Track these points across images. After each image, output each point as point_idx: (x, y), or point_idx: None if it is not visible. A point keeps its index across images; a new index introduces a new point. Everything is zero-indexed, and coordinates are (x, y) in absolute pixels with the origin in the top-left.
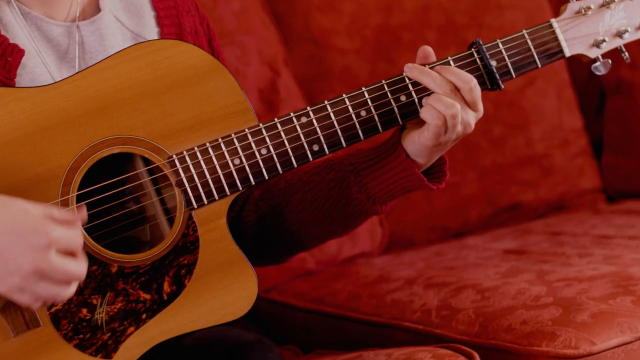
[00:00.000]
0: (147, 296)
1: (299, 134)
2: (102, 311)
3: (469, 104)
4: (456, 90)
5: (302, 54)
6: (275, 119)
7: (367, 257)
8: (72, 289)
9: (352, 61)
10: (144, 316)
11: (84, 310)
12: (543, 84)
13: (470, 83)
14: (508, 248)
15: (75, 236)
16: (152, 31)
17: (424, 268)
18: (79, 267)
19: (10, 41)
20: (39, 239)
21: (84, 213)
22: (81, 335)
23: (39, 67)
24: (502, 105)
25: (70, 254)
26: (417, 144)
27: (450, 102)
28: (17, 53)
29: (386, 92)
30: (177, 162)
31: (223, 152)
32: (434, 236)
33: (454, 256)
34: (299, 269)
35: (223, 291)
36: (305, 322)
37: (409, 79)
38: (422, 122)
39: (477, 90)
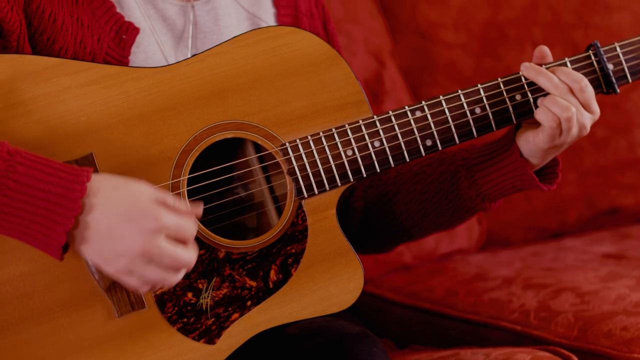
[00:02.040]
0: (253, 283)
1: (412, 128)
2: (208, 296)
3: (583, 105)
4: (572, 92)
5: (408, 46)
6: (390, 112)
7: (464, 254)
8: (179, 276)
9: (458, 55)
10: (249, 303)
11: (190, 294)
12: None
13: (580, 82)
14: (607, 252)
15: (188, 225)
16: (268, 12)
17: (522, 268)
18: (188, 255)
19: (126, 19)
20: (148, 223)
21: (200, 209)
22: (185, 319)
23: (152, 46)
24: (606, 107)
25: (180, 241)
26: (531, 144)
27: (565, 104)
28: (132, 31)
29: (502, 90)
30: (289, 150)
31: (336, 143)
32: (531, 236)
33: (552, 257)
34: (395, 263)
35: (329, 282)
36: (400, 316)
37: (525, 79)
38: (536, 122)
39: (589, 90)
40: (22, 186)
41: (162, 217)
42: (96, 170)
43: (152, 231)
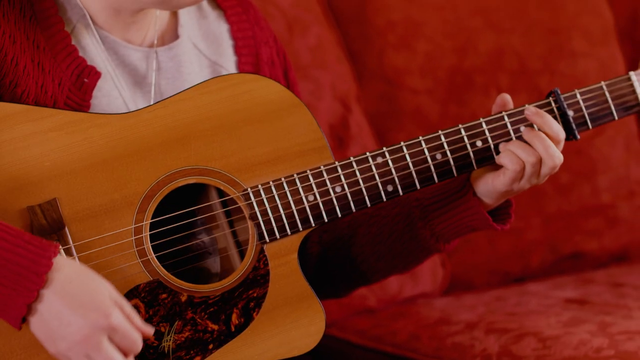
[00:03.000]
0: (215, 327)
1: (373, 174)
2: (170, 339)
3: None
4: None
5: (375, 92)
6: (351, 158)
7: (428, 297)
8: None
9: (424, 101)
10: (210, 346)
11: (152, 337)
12: (612, 134)
13: (560, 136)
14: (570, 297)
15: (135, 338)
16: (229, 59)
17: (485, 312)
18: None
19: (88, 62)
20: (98, 318)
21: (152, 330)
22: None
23: (114, 91)
24: (570, 153)
25: (123, 351)
26: (489, 185)
27: (531, 149)
28: (93, 75)
29: (463, 136)
30: (251, 195)
31: (298, 188)
32: (494, 280)
33: (515, 302)
34: (359, 306)
35: (290, 326)
36: (364, 359)
37: (487, 125)
38: (496, 166)
39: (562, 143)
40: None
41: (114, 318)
42: (61, 220)
43: (99, 327)
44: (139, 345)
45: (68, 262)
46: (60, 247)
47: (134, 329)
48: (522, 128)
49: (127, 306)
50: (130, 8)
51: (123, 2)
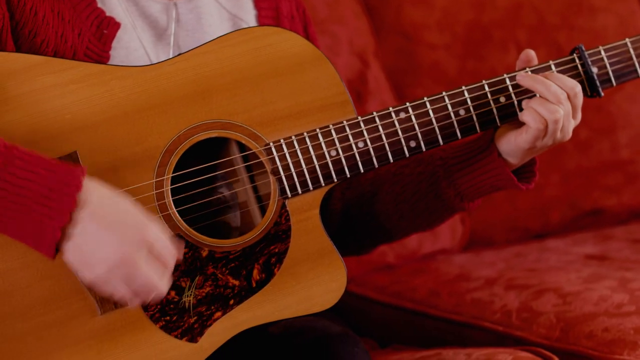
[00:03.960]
0: (236, 282)
1: (396, 129)
2: (190, 294)
3: (572, 110)
4: (567, 98)
5: (392, 47)
6: (374, 113)
7: (447, 254)
8: (140, 301)
9: (442, 56)
10: (231, 302)
11: (172, 293)
12: (632, 90)
13: (574, 89)
14: (589, 253)
15: (170, 250)
16: (249, 13)
17: (504, 269)
18: (161, 285)
19: (107, 14)
20: (134, 234)
21: (182, 248)
22: (168, 317)
23: (134, 42)
24: (590, 109)
25: (160, 262)
26: (512, 144)
27: (553, 107)
28: (113, 26)
29: (486, 92)
30: (273, 149)
31: (320, 143)
32: (513, 237)
33: (535, 258)
34: (378, 262)
35: (312, 282)
36: (383, 316)
37: (510, 81)
38: (518, 123)
39: (581, 96)
40: (18, 179)
41: (149, 232)
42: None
43: (137, 243)
44: (174, 260)
45: (96, 184)
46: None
47: (168, 241)
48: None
49: (158, 223)
50: None
51: None
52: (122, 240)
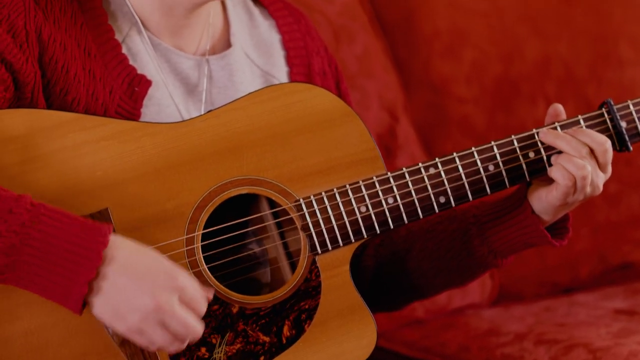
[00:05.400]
0: (267, 339)
1: (426, 185)
2: (221, 351)
3: (600, 166)
4: (592, 153)
5: (421, 101)
6: (404, 169)
7: (476, 308)
8: (183, 346)
9: (471, 110)
10: (262, 359)
11: (203, 349)
12: None
13: (604, 145)
14: (619, 308)
15: (201, 296)
16: (281, 70)
17: (534, 323)
18: (197, 326)
19: (139, 71)
20: (166, 281)
21: (211, 293)
22: None
23: (165, 99)
24: (619, 162)
25: (192, 309)
26: (543, 201)
27: (581, 163)
28: (144, 83)
29: (515, 147)
30: (303, 206)
31: (350, 199)
32: (543, 291)
33: (565, 313)
34: (407, 317)
35: (342, 338)
36: None
37: (539, 136)
38: (548, 180)
39: (611, 152)
40: (46, 236)
41: (180, 278)
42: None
43: (169, 289)
44: (205, 305)
45: (123, 239)
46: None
47: (198, 287)
48: None
49: (185, 271)
50: (183, 5)
51: None
52: (153, 287)
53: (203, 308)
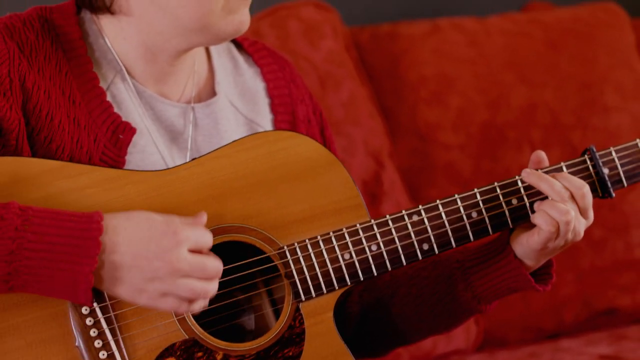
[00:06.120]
0: None
1: (409, 232)
2: None
3: (581, 211)
4: (572, 197)
5: (407, 147)
6: (387, 216)
7: (461, 354)
8: (214, 285)
9: (456, 157)
10: None
11: None
12: None
13: (582, 189)
14: (604, 353)
15: (204, 234)
16: (265, 118)
17: None
18: (214, 262)
19: (123, 119)
20: (168, 240)
21: (204, 217)
22: None
23: (150, 147)
24: (604, 207)
25: (200, 252)
26: (525, 246)
27: (565, 208)
28: (129, 131)
29: (498, 194)
30: (287, 253)
31: (334, 246)
32: (528, 336)
33: (549, 358)
34: None
35: None
36: None
37: (522, 183)
38: (531, 225)
39: (589, 196)
40: (41, 236)
41: (180, 231)
42: None
43: (174, 246)
44: (209, 237)
45: (113, 218)
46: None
47: (198, 227)
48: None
49: (177, 217)
50: (169, 52)
51: (160, 44)
52: (160, 252)
53: (210, 240)
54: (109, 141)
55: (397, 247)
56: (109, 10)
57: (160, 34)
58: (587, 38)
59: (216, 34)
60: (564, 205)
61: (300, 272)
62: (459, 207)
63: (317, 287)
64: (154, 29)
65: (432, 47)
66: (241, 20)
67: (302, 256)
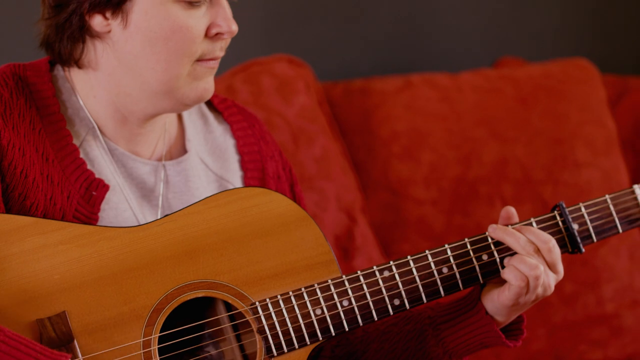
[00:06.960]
0: None
1: (380, 288)
2: None
3: (549, 265)
4: (538, 251)
5: (379, 202)
6: (359, 272)
7: None
8: None
9: (428, 212)
10: None
11: None
12: (616, 244)
13: (548, 243)
14: None
15: None
16: (235, 174)
17: None
18: None
19: (96, 176)
20: None
21: None
22: None
23: (122, 204)
24: (575, 263)
25: None
26: (496, 302)
27: (533, 263)
28: (102, 188)
29: (469, 250)
30: (259, 309)
31: (305, 302)
32: None
33: None
34: None
35: None
36: None
37: (492, 239)
38: (502, 281)
39: (557, 250)
40: None
41: None
42: (70, 334)
43: None
44: None
45: None
46: (71, 357)
47: None
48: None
49: None
50: (137, 115)
51: (129, 106)
52: None
53: None
54: (82, 198)
55: (368, 303)
56: (76, 64)
57: (129, 96)
58: (558, 94)
59: (180, 99)
60: (533, 260)
61: (272, 327)
62: (429, 263)
63: (289, 343)
64: (122, 89)
65: (405, 102)
66: (205, 87)
67: (274, 312)
